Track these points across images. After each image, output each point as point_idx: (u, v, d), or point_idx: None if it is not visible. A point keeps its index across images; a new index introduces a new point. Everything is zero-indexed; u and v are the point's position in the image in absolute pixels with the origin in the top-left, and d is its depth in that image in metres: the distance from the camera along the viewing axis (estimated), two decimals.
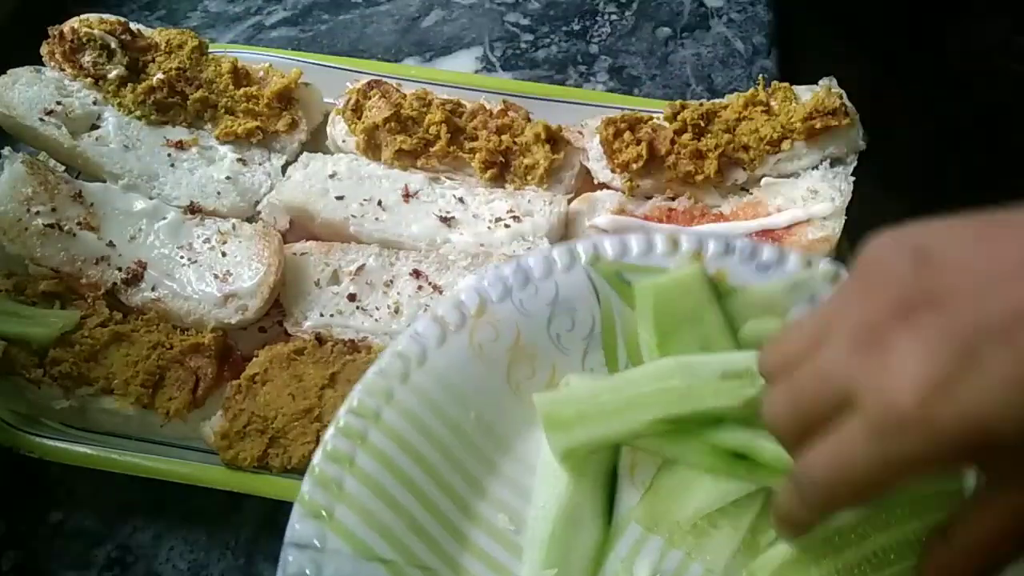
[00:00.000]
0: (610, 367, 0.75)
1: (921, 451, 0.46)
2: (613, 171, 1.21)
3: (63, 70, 1.25)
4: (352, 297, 1.12)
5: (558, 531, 0.71)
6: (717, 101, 1.25)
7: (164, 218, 1.15)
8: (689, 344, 0.72)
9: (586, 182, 1.25)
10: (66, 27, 1.27)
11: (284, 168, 1.24)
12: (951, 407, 0.45)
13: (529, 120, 1.26)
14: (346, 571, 0.68)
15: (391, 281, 1.13)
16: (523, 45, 1.53)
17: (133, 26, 1.30)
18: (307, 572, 0.68)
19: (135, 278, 1.10)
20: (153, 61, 1.28)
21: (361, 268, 1.13)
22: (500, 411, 0.75)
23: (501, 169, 1.22)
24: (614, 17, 1.57)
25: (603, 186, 1.22)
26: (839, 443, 0.50)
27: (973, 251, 0.50)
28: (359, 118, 1.25)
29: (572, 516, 0.71)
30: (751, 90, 1.24)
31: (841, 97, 1.18)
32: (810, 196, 1.15)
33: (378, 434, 0.72)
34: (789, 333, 0.58)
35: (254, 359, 1.06)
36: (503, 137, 1.22)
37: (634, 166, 1.19)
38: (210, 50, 1.31)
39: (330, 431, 0.75)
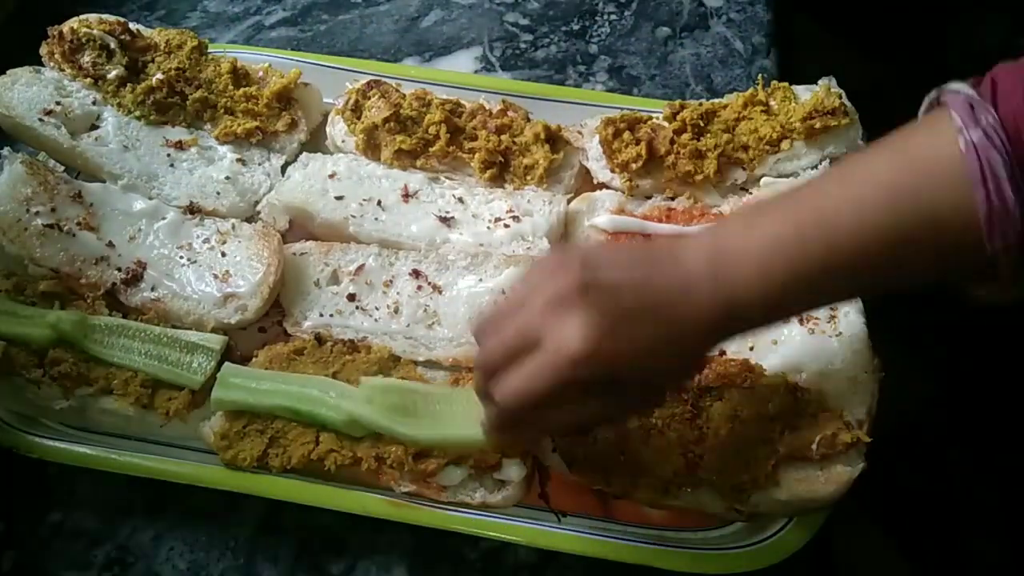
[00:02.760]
0: None
1: (579, 376, 0.74)
2: (612, 171, 1.21)
3: (63, 70, 1.25)
4: (352, 297, 1.12)
5: None
6: (716, 101, 1.25)
7: (164, 218, 1.15)
8: None
9: (586, 182, 1.25)
10: (65, 27, 1.27)
11: (283, 168, 1.25)
12: (600, 351, 0.73)
13: (529, 120, 1.26)
14: None
15: (391, 281, 1.13)
16: (522, 45, 1.53)
17: (132, 26, 1.30)
18: None
19: (135, 278, 1.10)
20: (152, 61, 1.28)
21: (360, 268, 1.13)
22: None
23: (500, 169, 1.22)
24: (613, 17, 1.57)
25: (603, 186, 1.22)
26: (526, 372, 0.76)
27: (615, 258, 0.81)
28: (359, 118, 1.25)
29: None
30: (750, 90, 1.24)
31: (841, 97, 1.18)
32: None
33: None
34: (497, 304, 0.86)
35: (253, 359, 1.06)
36: (502, 137, 1.23)
37: (633, 166, 1.19)
38: (209, 50, 1.32)
39: None
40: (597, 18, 1.57)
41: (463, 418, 0.96)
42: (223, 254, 1.13)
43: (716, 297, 0.75)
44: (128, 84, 1.25)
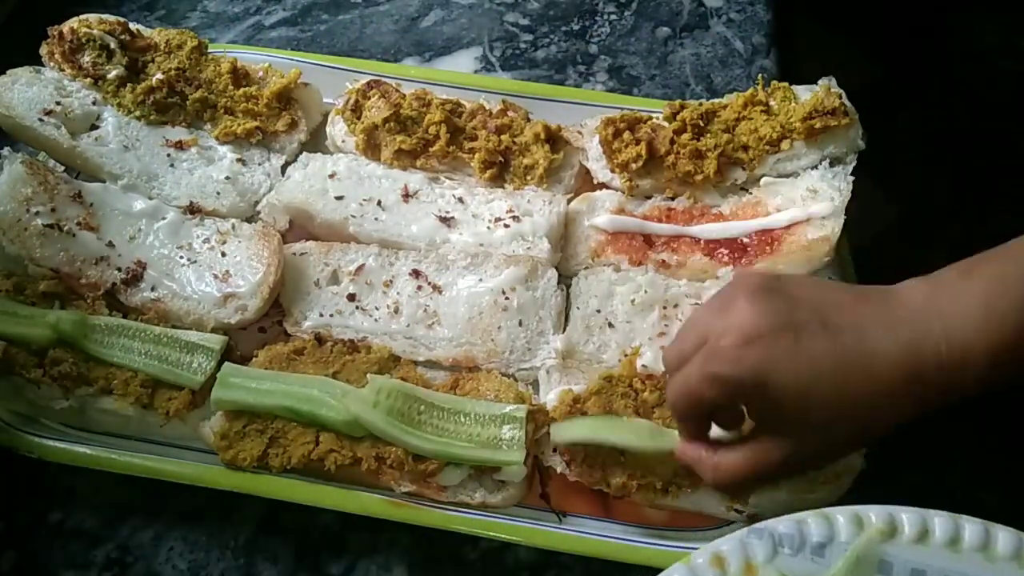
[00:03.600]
0: None
1: (725, 375, 0.75)
2: (612, 171, 1.21)
3: (63, 70, 1.25)
4: (352, 297, 1.12)
5: None
6: (716, 101, 1.25)
7: (164, 218, 1.15)
8: None
9: (586, 182, 1.25)
10: (65, 27, 1.27)
11: (284, 168, 1.25)
12: (751, 354, 0.73)
13: (529, 120, 1.26)
14: None
15: (391, 281, 1.13)
16: (523, 45, 1.53)
17: (133, 26, 1.30)
18: None
19: (135, 278, 1.10)
20: (152, 61, 1.28)
21: (360, 268, 1.13)
22: None
23: (500, 169, 1.22)
24: (613, 17, 1.56)
25: (603, 186, 1.22)
26: (687, 369, 0.79)
27: (813, 290, 0.79)
28: (359, 118, 1.25)
29: None
30: (750, 90, 1.24)
31: (841, 97, 1.18)
32: (809, 196, 1.15)
33: None
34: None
35: (253, 359, 1.06)
36: (502, 137, 1.23)
37: (633, 166, 1.19)
38: (209, 50, 1.32)
39: None
40: (597, 18, 1.57)
41: (466, 435, 0.97)
42: (223, 254, 1.13)
43: (930, 333, 0.71)
44: (128, 84, 1.25)
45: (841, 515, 0.73)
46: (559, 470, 0.99)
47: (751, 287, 0.77)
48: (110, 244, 1.11)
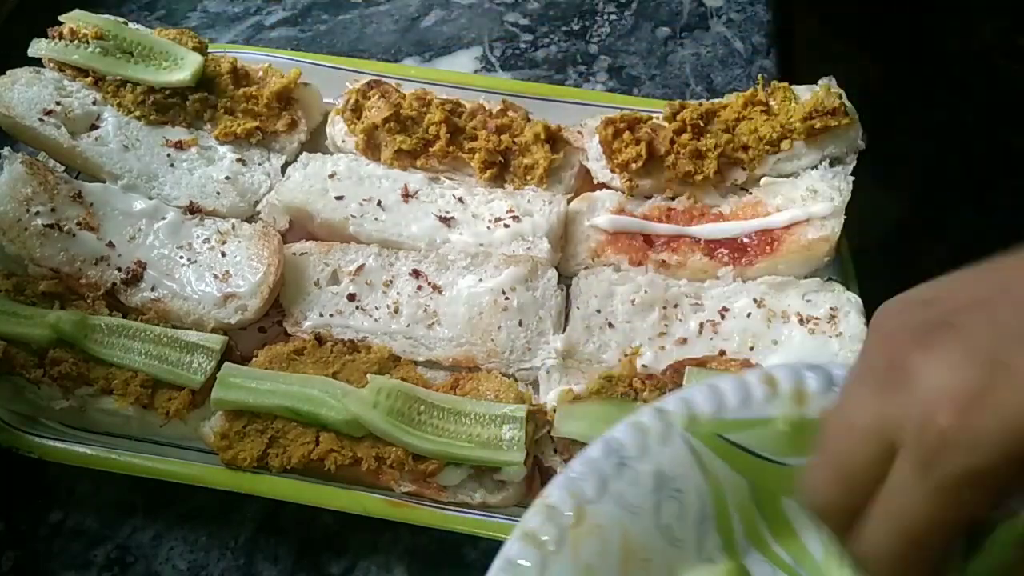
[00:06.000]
0: (729, 553, 0.64)
1: (970, 465, 0.44)
2: (612, 171, 1.21)
3: (62, 70, 1.25)
4: (352, 297, 1.12)
5: None
6: (716, 101, 1.25)
7: (164, 218, 1.15)
8: None
9: (586, 182, 1.25)
10: (65, 27, 1.27)
11: (284, 168, 1.24)
12: (990, 413, 0.44)
13: (529, 120, 1.26)
14: None
15: (390, 281, 1.13)
16: (522, 45, 1.53)
17: (132, 26, 1.30)
18: None
19: (135, 278, 1.10)
20: None
21: (360, 268, 1.13)
22: None
23: (500, 169, 1.22)
24: (613, 17, 1.56)
25: (603, 186, 1.22)
26: (891, 497, 0.47)
27: (973, 284, 0.51)
28: (359, 118, 1.25)
29: None
30: (750, 90, 1.24)
31: (841, 97, 1.18)
32: (810, 196, 1.15)
33: None
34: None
35: (253, 359, 1.06)
36: (502, 137, 1.22)
37: (633, 166, 1.18)
38: (209, 50, 1.31)
39: None
40: (597, 18, 1.57)
41: (466, 435, 0.97)
42: (223, 254, 1.13)
43: None
44: (128, 84, 1.25)
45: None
46: (559, 470, 0.99)
47: (908, 329, 0.50)
48: (110, 244, 1.11)
